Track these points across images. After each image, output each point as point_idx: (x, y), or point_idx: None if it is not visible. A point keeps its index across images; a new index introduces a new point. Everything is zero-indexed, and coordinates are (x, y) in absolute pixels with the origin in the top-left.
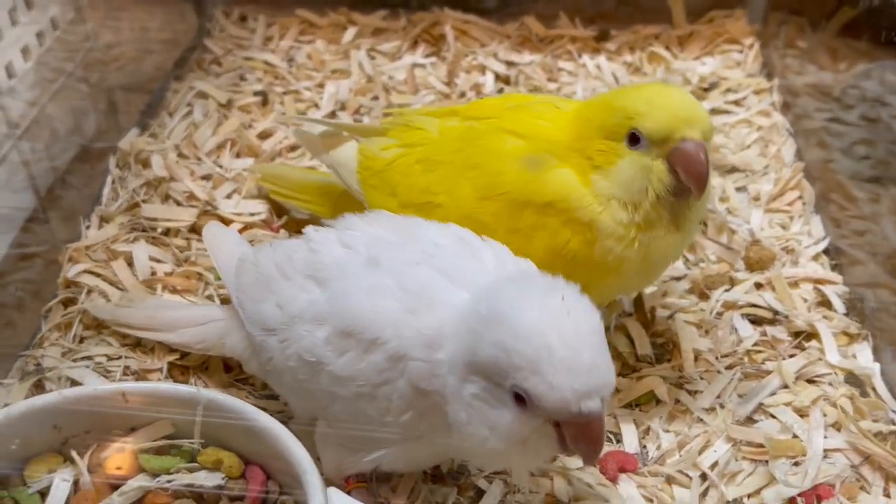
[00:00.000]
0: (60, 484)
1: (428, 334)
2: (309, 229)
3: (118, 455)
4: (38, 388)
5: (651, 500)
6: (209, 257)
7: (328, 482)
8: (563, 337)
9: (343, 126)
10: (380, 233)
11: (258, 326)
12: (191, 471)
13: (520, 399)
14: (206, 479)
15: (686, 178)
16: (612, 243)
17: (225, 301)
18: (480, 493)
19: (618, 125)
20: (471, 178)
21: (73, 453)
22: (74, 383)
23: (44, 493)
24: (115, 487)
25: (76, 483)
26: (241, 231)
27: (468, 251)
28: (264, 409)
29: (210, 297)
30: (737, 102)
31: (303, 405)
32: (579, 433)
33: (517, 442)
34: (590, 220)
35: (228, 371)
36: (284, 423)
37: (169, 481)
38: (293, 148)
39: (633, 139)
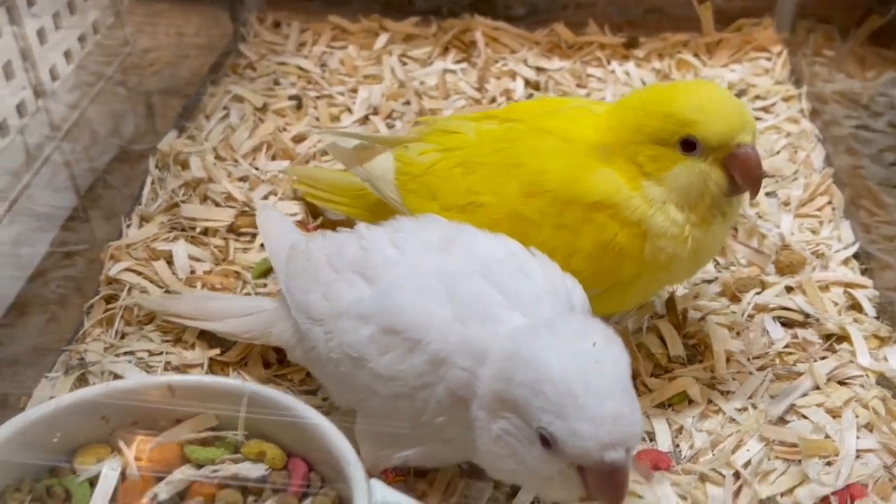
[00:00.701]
0: (109, 473)
1: (474, 346)
2: (361, 226)
3: (164, 446)
4: (82, 381)
5: (685, 498)
6: (246, 256)
7: (368, 474)
8: (589, 385)
9: (374, 138)
10: (431, 238)
11: (304, 315)
12: (235, 462)
13: (545, 440)
14: (250, 471)
15: (744, 181)
16: (665, 242)
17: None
18: (516, 489)
19: (670, 132)
20: (514, 175)
21: (121, 444)
22: (117, 377)
23: (92, 482)
24: (160, 478)
25: (123, 473)
26: None
27: (519, 267)
28: None
29: (248, 295)
30: (765, 109)
31: (342, 396)
32: (602, 481)
33: (543, 479)
34: (639, 220)
35: (267, 367)
36: (326, 416)
37: (214, 472)
38: (326, 152)
39: (688, 145)
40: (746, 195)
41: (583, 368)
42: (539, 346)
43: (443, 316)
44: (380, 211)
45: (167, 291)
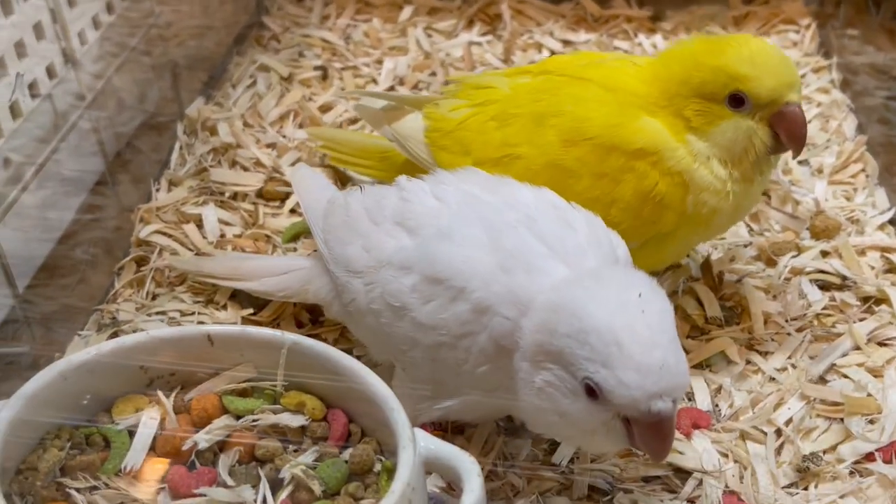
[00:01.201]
0: (148, 422)
1: (519, 295)
2: (401, 178)
3: (203, 396)
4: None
5: (726, 455)
6: (276, 221)
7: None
8: (635, 334)
9: (403, 98)
10: (474, 190)
11: (342, 267)
12: (274, 413)
13: (591, 391)
14: (290, 421)
15: (788, 140)
16: (708, 196)
17: None
18: (554, 445)
19: (720, 86)
20: (553, 125)
21: (159, 393)
22: None
23: (131, 432)
24: (199, 428)
25: (162, 423)
26: None
27: (563, 219)
28: None
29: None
30: None
31: (381, 348)
32: (648, 431)
33: (586, 432)
34: (681, 170)
35: (300, 326)
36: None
37: (253, 422)
38: (354, 121)
39: (737, 101)
40: (788, 154)
41: (629, 318)
42: (584, 297)
43: (487, 264)
44: (407, 173)
45: (198, 254)
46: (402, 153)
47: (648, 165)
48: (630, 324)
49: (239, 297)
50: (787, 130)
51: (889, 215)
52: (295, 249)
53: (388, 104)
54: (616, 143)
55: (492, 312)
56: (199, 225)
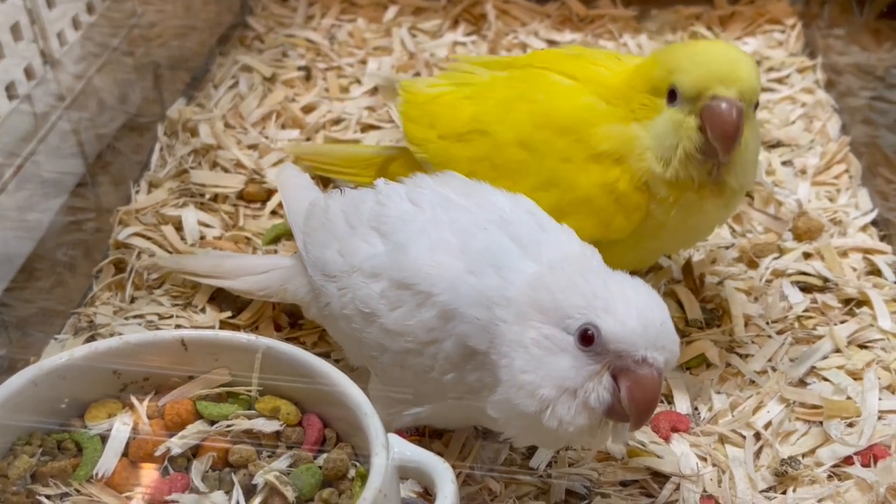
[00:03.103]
0: (121, 428)
1: (488, 295)
2: (379, 181)
3: (176, 402)
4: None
5: (705, 459)
6: (256, 222)
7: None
8: (638, 294)
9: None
10: (449, 194)
11: (319, 271)
12: (249, 418)
13: (586, 338)
14: (264, 426)
15: (712, 136)
16: (655, 207)
17: None
18: (532, 449)
19: (660, 80)
20: (525, 109)
21: (133, 398)
22: None
23: (104, 438)
24: (172, 434)
25: (135, 428)
26: None
27: (538, 224)
28: None
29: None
30: (780, 80)
31: (355, 353)
32: (637, 386)
33: (568, 392)
34: (643, 178)
35: (279, 330)
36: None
37: (227, 428)
38: (336, 121)
39: (672, 95)
40: (772, 155)
41: (628, 284)
42: (579, 268)
43: (454, 269)
44: (391, 177)
45: (186, 249)
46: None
47: (613, 162)
48: (632, 286)
49: (218, 300)
50: (709, 125)
51: (872, 216)
52: (276, 252)
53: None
54: (584, 140)
55: (459, 318)
56: (179, 227)
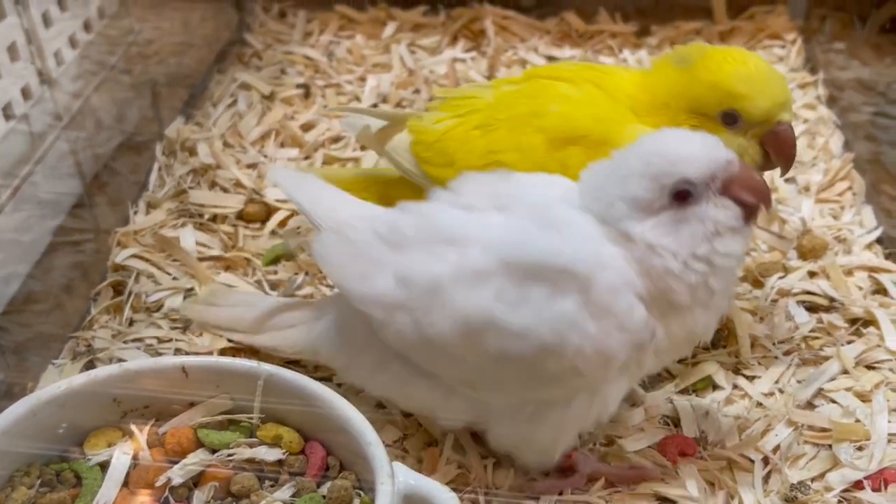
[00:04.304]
0: (121, 457)
1: (609, 258)
2: (404, 204)
3: (177, 430)
4: (90, 368)
5: (713, 483)
6: (256, 243)
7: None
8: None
9: (388, 114)
10: (485, 190)
11: (377, 305)
12: (250, 446)
13: (729, 119)
14: (266, 455)
15: (778, 159)
16: None
17: (275, 286)
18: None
19: (715, 103)
20: (538, 126)
21: (133, 427)
22: None
23: (104, 467)
24: (173, 463)
25: (135, 457)
26: (286, 220)
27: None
28: None
29: (259, 283)
30: None
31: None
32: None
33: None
34: None
35: None
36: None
37: (229, 456)
38: (335, 139)
39: (730, 119)
40: (773, 173)
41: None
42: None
43: (579, 241)
44: (388, 201)
45: (209, 289)
46: (401, 172)
47: None
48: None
49: None
50: (777, 150)
51: (876, 234)
52: (276, 273)
53: (384, 125)
54: (607, 139)
55: (592, 283)
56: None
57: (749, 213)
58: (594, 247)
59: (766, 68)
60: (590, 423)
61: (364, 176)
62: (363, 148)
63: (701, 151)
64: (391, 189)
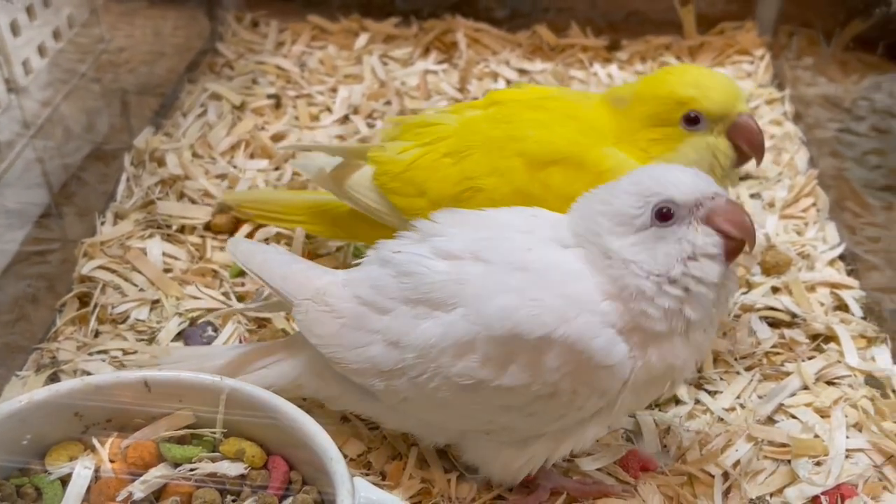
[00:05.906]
0: (82, 472)
1: (585, 299)
2: (376, 254)
3: (139, 444)
4: (54, 380)
5: (672, 499)
6: (224, 255)
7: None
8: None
9: (345, 149)
10: (464, 232)
11: (372, 374)
12: (213, 461)
13: (691, 120)
14: (229, 469)
15: (749, 148)
16: None
17: (242, 298)
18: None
19: (670, 112)
20: (516, 150)
21: (95, 441)
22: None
23: (65, 481)
24: (135, 477)
25: (97, 471)
26: (254, 231)
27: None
28: None
29: (226, 294)
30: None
31: (462, 423)
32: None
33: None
34: None
35: None
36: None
37: (191, 471)
38: (306, 149)
39: (692, 120)
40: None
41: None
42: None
43: (547, 299)
44: (344, 224)
45: (160, 347)
46: (357, 208)
47: None
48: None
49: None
50: (745, 140)
51: (839, 250)
52: (243, 284)
53: (339, 163)
54: (584, 163)
55: (583, 340)
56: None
57: (731, 249)
58: (572, 292)
59: (708, 70)
60: (563, 455)
61: (308, 201)
62: None
63: (689, 179)
64: (336, 212)
